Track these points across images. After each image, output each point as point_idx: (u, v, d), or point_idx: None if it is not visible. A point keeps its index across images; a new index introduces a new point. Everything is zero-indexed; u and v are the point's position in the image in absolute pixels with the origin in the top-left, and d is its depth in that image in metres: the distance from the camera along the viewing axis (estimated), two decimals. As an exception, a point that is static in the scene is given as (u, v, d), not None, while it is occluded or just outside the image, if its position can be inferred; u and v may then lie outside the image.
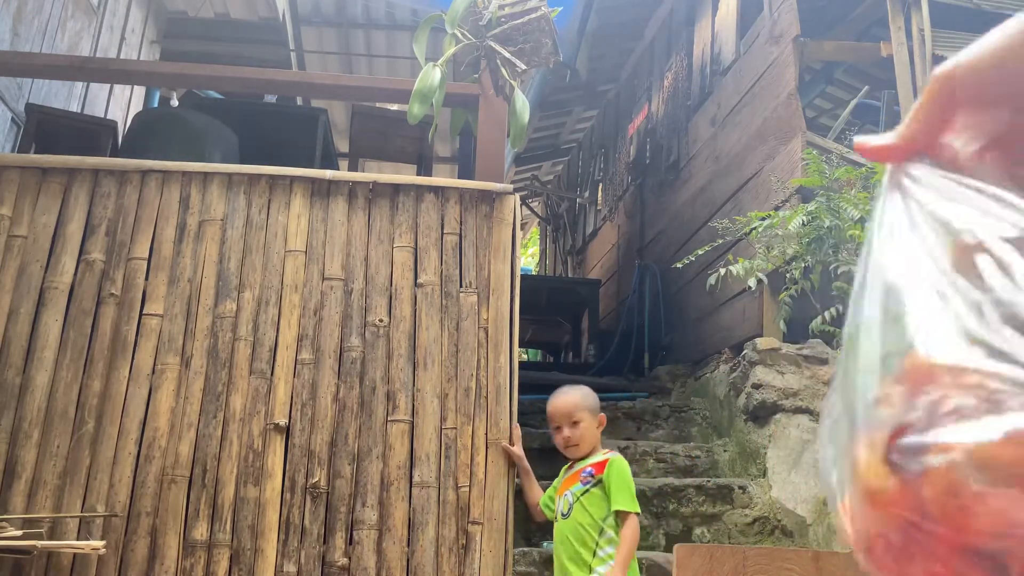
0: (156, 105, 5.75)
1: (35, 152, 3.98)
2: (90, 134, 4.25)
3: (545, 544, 3.47)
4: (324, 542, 2.61)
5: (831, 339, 3.76)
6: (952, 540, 0.30)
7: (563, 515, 2.45)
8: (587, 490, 2.43)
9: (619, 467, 2.46)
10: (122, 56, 5.58)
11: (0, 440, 2.61)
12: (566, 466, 2.58)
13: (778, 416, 3.87)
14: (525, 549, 3.27)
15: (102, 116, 5.32)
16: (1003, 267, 0.32)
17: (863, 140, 0.41)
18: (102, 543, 2.42)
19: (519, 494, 2.79)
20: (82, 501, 2.58)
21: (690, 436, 4.53)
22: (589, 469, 2.47)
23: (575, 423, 2.47)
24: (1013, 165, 0.38)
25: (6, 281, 2.78)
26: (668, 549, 3.50)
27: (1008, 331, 0.30)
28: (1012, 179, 0.37)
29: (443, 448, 2.71)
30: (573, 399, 2.53)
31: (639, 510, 2.41)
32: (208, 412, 2.70)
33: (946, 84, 0.39)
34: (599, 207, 8.70)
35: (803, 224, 3.67)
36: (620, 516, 2.40)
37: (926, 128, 0.39)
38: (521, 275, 3.07)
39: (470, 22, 3.01)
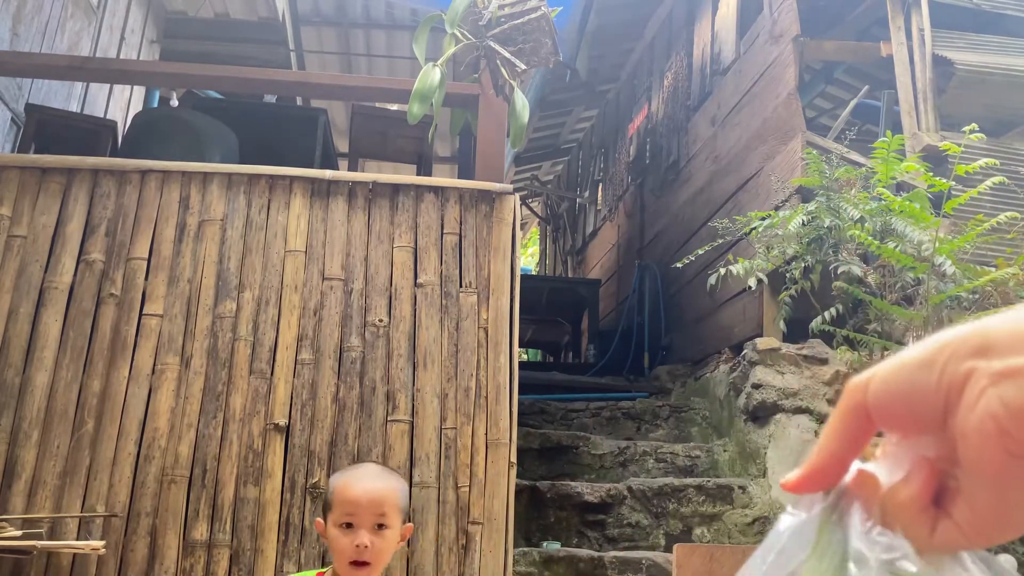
0: (156, 105, 5.74)
1: (34, 152, 3.97)
2: (90, 134, 4.25)
3: (545, 544, 3.47)
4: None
5: (831, 339, 3.76)
6: None
7: None
8: None
9: None
10: (122, 56, 5.57)
11: (0, 440, 2.61)
12: None
13: (778, 416, 3.87)
14: (525, 549, 3.27)
15: (102, 116, 5.32)
16: None
17: (785, 479, 0.39)
18: (102, 543, 2.41)
19: (519, 494, 2.78)
20: (82, 501, 2.58)
21: (690, 436, 4.53)
22: None
23: (383, 526, 1.56)
24: (939, 492, 0.36)
25: (6, 281, 2.78)
26: (668, 549, 3.50)
27: None
28: (926, 516, 0.35)
29: (443, 448, 2.71)
30: (390, 488, 1.61)
31: None
32: (208, 412, 2.69)
33: (858, 404, 0.36)
34: (599, 207, 8.70)
35: (803, 224, 3.67)
36: None
37: (841, 453, 0.37)
38: (521, 275, 3.06)
39: (470, 22, 3.01)
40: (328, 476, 2.66)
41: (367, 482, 1.61)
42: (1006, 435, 0.31)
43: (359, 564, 1.54)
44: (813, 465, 0.38)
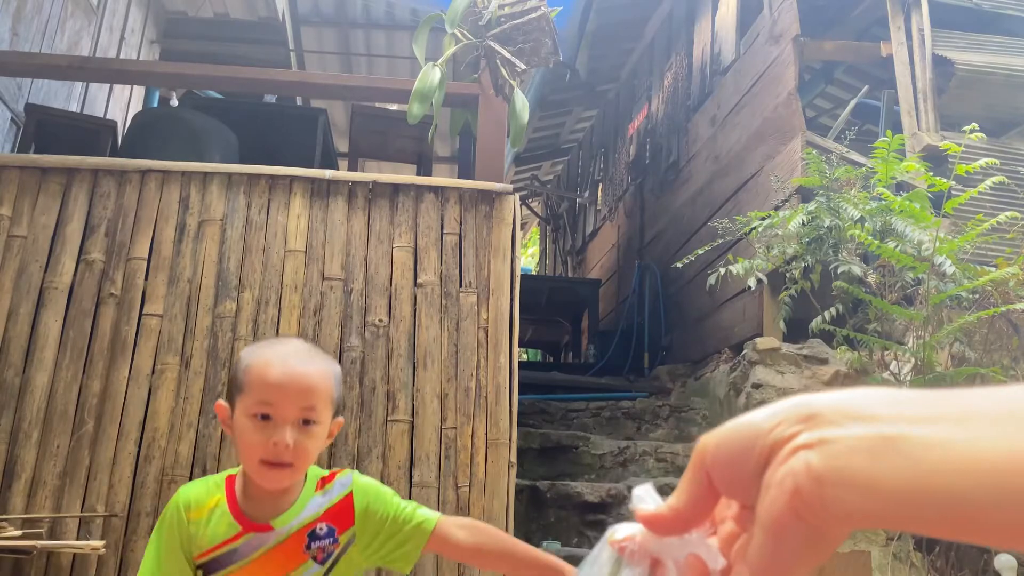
0: (156, 105, 5.74)
1: (34, 152, 3.97)
2: (89, 134, 4.25)
3: (545, 544, 3.47)
4: (324, 542, 2.60)
5: (831, 339, 3.76)
6: None
7: None
8: (331, 567, 1.28)
9: (373, 488, 1.35)
10: (121, 56, 5.57)
11: (0, 440, 2.61)
12: (220, 517, 1.27)
13: (778, 416, 3.86)
14: (525, 549, 3.27)
15: (102, 116, 5.32)
16: None
17: (642, 512, 0.41)
18: (102, 543, 2.41)
19: (519, 494, 2.78)
20: (82, 501, 2.58)
21: (690, 436, 4.53)
22: (325, 527, 1.29)
23: (310, 422, 1.23)
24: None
25: (6, 281, 2.77)
26: (668, 549, 3.50)
27: None
28: None
29: (443, 448, 2.71)
30: (322, 373, 1.26)
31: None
32: (208, 412, 2.69)
33: (699, 465, 0.38)
34: (599, 207, 8.70)
35: (803, 224, 3.67)
36: (438, 533, 1.32)
37: (690, 502, 0.39)
38: (521, 275, 3.06)
39: (470, 22, 3.01)
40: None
41: (294, 364, 1.24)
42: (798, 494, 0.33)
43: (275, 465, 1.21)
44: (658, 513, 0.40)
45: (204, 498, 1.29)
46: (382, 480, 2.67)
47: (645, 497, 0.42)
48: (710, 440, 0.38)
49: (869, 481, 0.31)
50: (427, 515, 1.34)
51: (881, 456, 0.31)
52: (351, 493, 1.32)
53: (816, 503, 0.32)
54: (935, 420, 0.31)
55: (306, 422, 1.23)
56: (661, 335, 6.02)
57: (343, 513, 1.30)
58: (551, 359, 9.02)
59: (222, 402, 1.30)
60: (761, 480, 0.35)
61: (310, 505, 1.30)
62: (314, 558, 1.26)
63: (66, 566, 2.52)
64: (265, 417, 1.20)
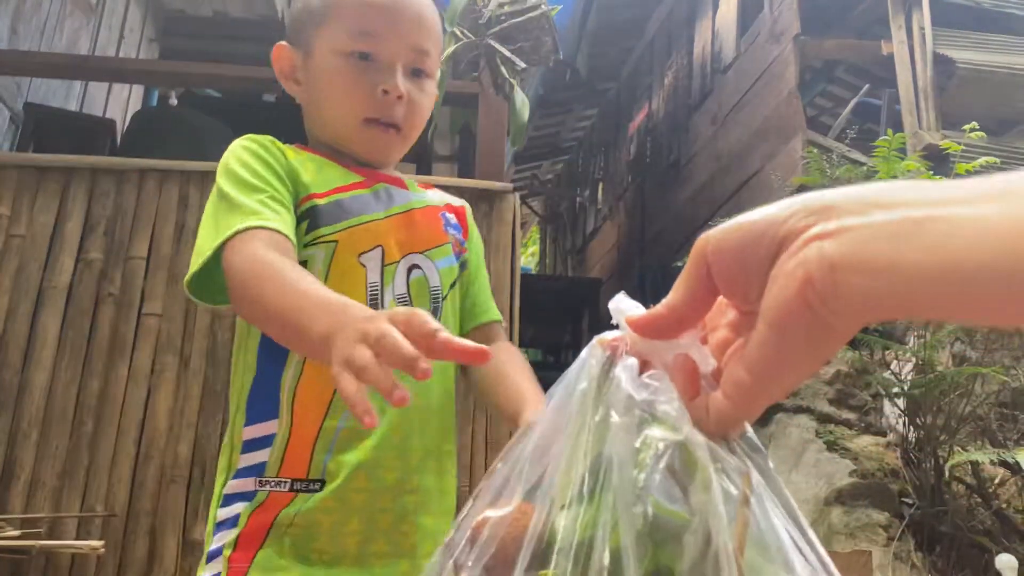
0: (155, 104, 5.74)
1: (33, 151, 3.96)
2: (88, 133, 4.24)
3: (545, 544, 3.46)
4: (324, 542, 2.60)
5: (832, 338, 3.76)
6: None
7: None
8: (461, 274, 1.01)
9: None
10: (120, 55, 5.56)
11: (-2, 440, 2.61)
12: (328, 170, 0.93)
13: (778, 415, 3.87)
14: (525, 549, 3.26)
15: (100, 115, 5.31)
16: None
17: (632, 316, 0.39)
18: (101, 543, 2.41)
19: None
20: (81, 501, 2.58)
21: (690, 435, 4.53)
22: (453, 218, 1.01)
23: (421, 73, 0.89)
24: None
25: (4, 281, 2.77)
26: (668, 549, 3.49)
27: None
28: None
29: (443, 448, 2.70)
30: (434, 10, 0.92)
31: None
32: (207, 412, 2.69)
33: (699, 259, 0.36)
34: (599, 206, 8.70)
35: (804, 223, 3.66)
36: (494, 330, 1.04)
37: (686, 299, 0.37)
38: (521, 275, 3.06)
39: (469, 20, 3.00)
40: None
41: None
42: (809, 283, 0.31)
43: (383, 124, 0.86)
44: (650, 314, 0.39)
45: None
46: (382, 480, 2.66)
47: (624, 306, 0.39)
48: (714, 233, 0.36)
49: (889, 264, 0.29)
50: (491, 314, 1.02)
51: (905, 238, 0.29)
52: (464, 207, 1.01)
53: (828, 291, 0.31)
54: (967, 201, 0.29)
55: (417, 73, 0.86)
56: (661, 334, 6.02)
57: (462, 220, 0.99)
58: (551, 359, 9.01)
59: (283, 44, 0.91)
60: (767, 275, 0.33)
61: (421, 193, 0.95)
62: (452, 247, 0.92)
63: (65, 566, 2.52)
64: (364, 57, 0.85)
